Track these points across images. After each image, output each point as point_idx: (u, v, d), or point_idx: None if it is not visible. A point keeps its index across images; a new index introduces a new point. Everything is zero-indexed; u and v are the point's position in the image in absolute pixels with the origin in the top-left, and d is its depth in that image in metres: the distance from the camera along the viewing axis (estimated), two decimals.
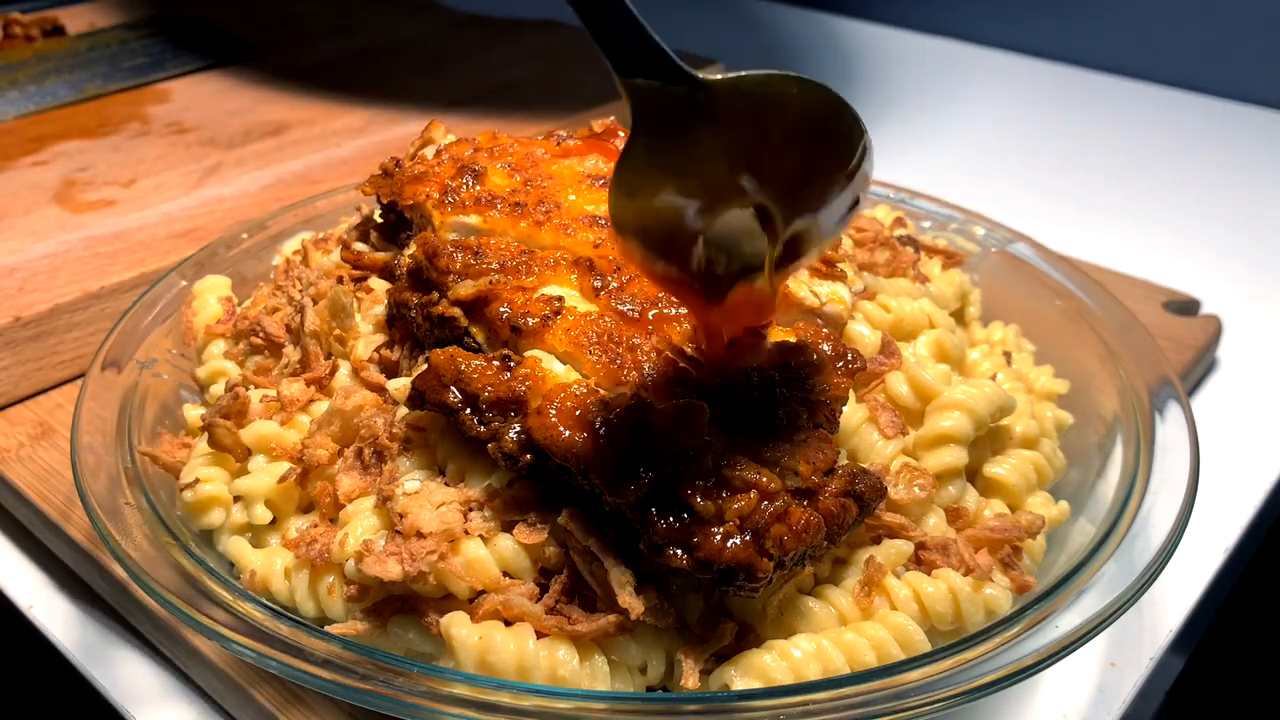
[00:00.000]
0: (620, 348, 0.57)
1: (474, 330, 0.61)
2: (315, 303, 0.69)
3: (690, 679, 0.52)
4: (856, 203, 0.52)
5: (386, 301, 0.67)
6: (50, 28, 1.43)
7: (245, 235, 0.85)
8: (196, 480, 0.62)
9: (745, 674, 0.53)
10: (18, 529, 0.77)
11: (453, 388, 0.56)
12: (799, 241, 0.52)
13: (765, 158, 0.48)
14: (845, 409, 0.59)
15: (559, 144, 0.77)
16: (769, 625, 0.56)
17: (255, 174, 1.05)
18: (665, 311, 0.60)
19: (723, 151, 0.47)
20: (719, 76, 0.46)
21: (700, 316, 0.55)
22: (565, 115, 1.16)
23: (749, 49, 1.75)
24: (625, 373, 0.56)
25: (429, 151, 0.77)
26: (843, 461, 0.57)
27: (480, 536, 0.55)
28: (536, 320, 0.59)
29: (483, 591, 0.55)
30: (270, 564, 0.59)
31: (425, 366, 0.57)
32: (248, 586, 0.59)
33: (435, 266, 0.62)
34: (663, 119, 0.46)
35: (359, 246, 0.75)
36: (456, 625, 0.53)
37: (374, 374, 0.65)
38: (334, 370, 0.66)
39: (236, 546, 0.61)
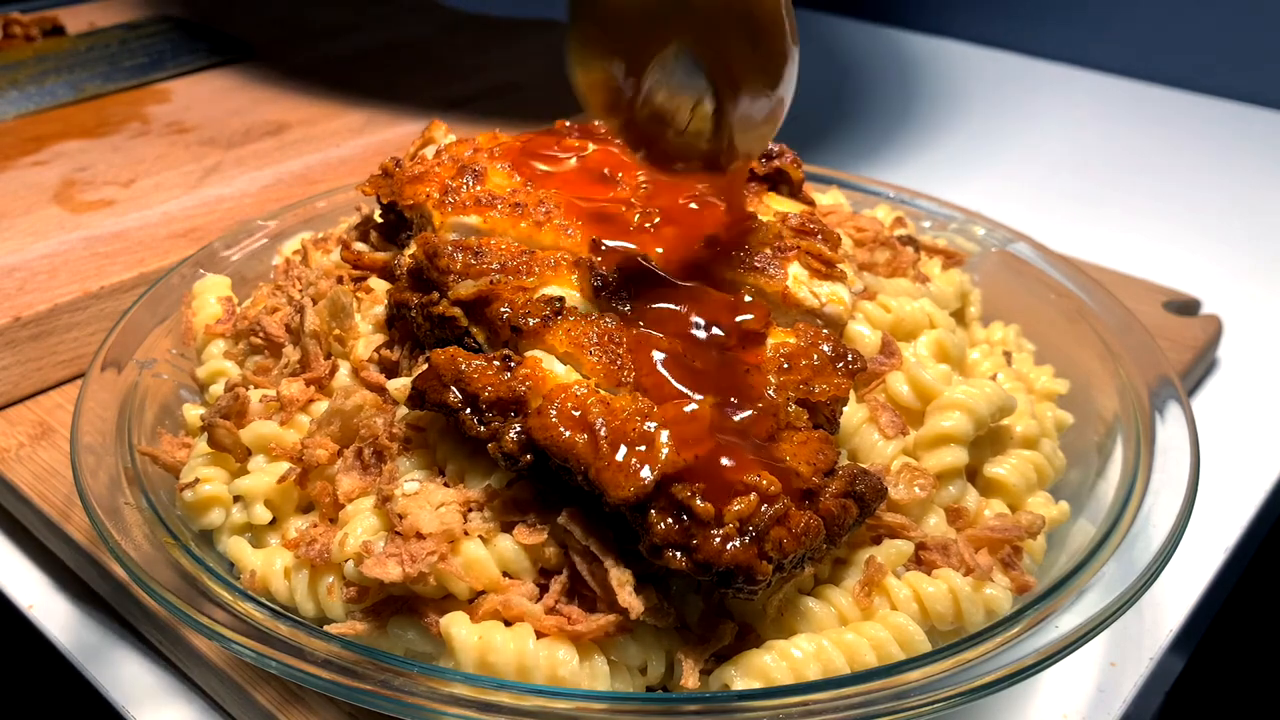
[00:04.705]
0: (620, 348, 0.57)
1: (474, 330, 0.61)
2: (315, 303, 0.69)
3: (690, 679, 0.52)
4: (778, 117, 0.62)
5: (386, 301, 0.67)
6: (50, 27, 1.42)
7: (245, 235, 0.85)
8: (196, 480, 0.62)
9: (745, 674, 0.53)
10: (18, 529, 0.77)
11: (453, 388, 0.56)
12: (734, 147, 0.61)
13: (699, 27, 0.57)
14: (845, 409, 0.59)
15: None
16: (769, 625, 0.56)
17: (255, 174, 1.05)
18: (665, 311, 0.60)
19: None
20: None
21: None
22: (565, 115, 1.16)
23: None
24: (625, 373, 0.56)
25: (429, 151, 0.77)
26: (843, 462, 0.57)
27: (480, 537, 0.55)
28: (537, 320, 0.58)
29: (482, 592, 0.55)
30: (270, 564, 0.59)
31: (425, 366, 0.57)
32: (248, 586, 0.59)
33: (435, 266, 0.62)
34: None
35: (359, 246, 0.75)
36: (456, 625, 0.53)
37: (374, 374, 0.65)
38: (334, 370, 0.66)
39: (236, 546, 0.61)
